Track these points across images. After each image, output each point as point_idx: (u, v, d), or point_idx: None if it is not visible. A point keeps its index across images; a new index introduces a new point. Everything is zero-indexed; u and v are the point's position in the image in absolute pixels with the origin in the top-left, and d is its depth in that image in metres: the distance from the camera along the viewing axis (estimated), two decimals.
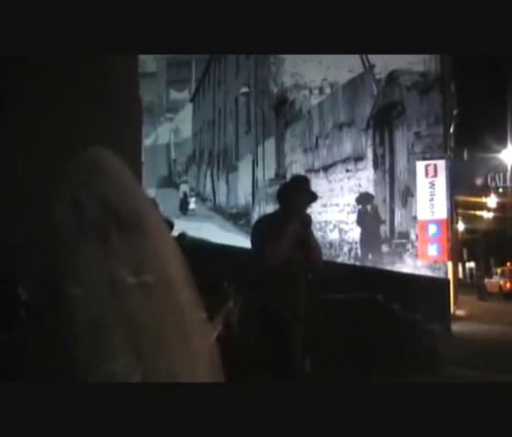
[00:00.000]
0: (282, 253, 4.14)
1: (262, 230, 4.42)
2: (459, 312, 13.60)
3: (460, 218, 20.79)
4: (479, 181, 10.94)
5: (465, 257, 36.66)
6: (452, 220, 12.92)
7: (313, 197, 4.59)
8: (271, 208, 10.87)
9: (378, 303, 7.18)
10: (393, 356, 6.45)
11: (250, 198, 10.95)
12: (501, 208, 17.12)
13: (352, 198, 9.77)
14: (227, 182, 11.09)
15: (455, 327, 10.36)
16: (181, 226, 11.54)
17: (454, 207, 14.43)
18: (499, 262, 26.06)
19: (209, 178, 11.27)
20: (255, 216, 11.28)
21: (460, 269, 35.30)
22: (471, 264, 38.38)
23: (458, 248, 25.19)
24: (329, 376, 5.94)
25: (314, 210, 10.22)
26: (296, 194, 4.35)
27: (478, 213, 19.30)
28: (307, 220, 4.30)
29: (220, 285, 2.35)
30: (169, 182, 11.57)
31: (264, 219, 4.72)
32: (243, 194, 11.05)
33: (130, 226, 1.53)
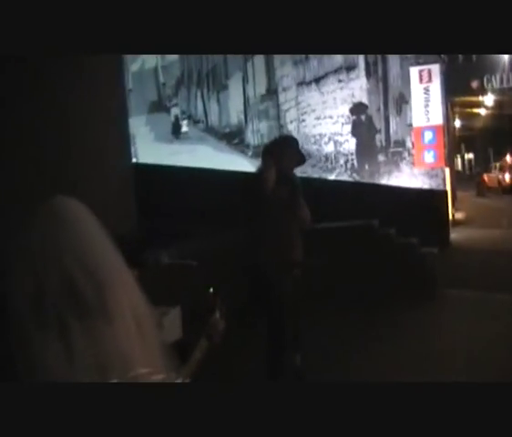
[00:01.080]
0: (275, 217, 4.08)
1: (252, 193, 4.33)
2: (458, 216, 13.59)
3: (457, 116, 20.58)
4: (475, 84, 10.69)
5: (463, 151, 36.65)
6: (448, 126, 12.74)
7: (302, 158, 4.50)
8: (263, 125, 10.74)
9: (374, 230, 7.11)
10: (391, 284, 6.44)
11: (243, 116, 10.76)
12: (498, 106, 16.91)
13: (345, 109, 9.58)
14: (218, 102, 10.89)
15: (454, 235, 10.34)
16: (175, 150, 11.45)
17: (450, 107, 14.20)
18: (498, 156, 26.01)
19: (199, 99, 11.05)
20: (248, 134, 11.15)
21: (459, 161, 35.37)
22: (470, 155, 38.34)
23: (456, 143, 25.07)
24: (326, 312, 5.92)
25: (308, 123, 10.13)
26: (287, 155, 4.24)
27: (476, 111, 19.07)
28: (296, 182, 4.21)
29: (205, 294, 2.28)
30: (160, 107, 11.36)
31: (251, 182, 4.58)
32: (235, 112, 10.86)
33: (93, 309, 1.54)
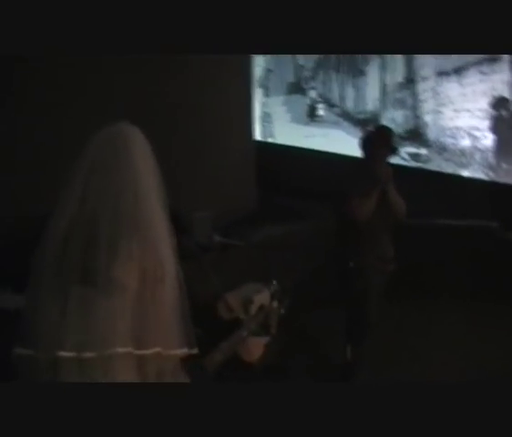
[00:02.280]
0: (367, 212, 4.04)
1: (349, 185, 4.30)
2: None
3: None
4: None
5: None
6: None
7: (394, 151, 4.40)
8: (399, 114, 10.49)
9: (492, 232, 6.74)
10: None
11: (379, 104, 10.58)
12: None
13: (485, 103, 9.11)
14: (354, 87, 10.79)
15: None
16: (309, 132, 11.55)
17: None
18: None
19: (336, 84, 11.03)
20: (383, 122, 10.92)
21: None
22: None
23: None
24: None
25: (446, 116, 9.75)
26: (376, 147, 4.17)
27: None
28: (386, 176, 4.13)
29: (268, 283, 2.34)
30: (297, 88, 11.49)
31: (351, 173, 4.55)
32: (371, 99, 10.70)
33: (98, 273, 1.61)
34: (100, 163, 1.64)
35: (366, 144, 4.29)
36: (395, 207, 4.21)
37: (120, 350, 1.54)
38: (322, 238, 5.83)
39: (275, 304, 2.27)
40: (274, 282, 2.40)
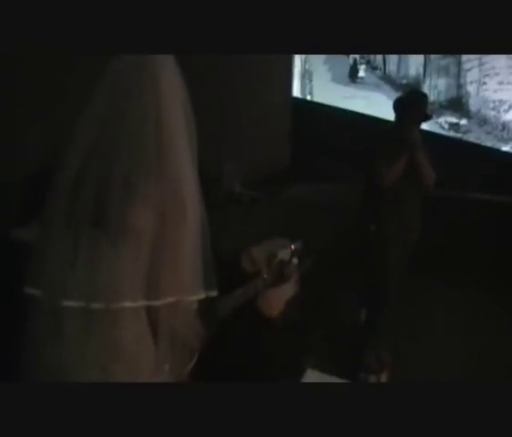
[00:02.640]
0: (392, 177, 4.00)
1: (378, 148, 4.26)
2: None
3: None
4: None
5: None
6: None
7: (427, 118, 4.30)
8: (442, 81, 10.29)
9: None
10: None
11: (422, 70, 10.38)
12: None
13: None
14: None
15: None
16: (350, 93, 11.41)
17: None
18: None
19: None
20: (425, 88, 10.74)
21: None
22: None
23: None
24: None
25: (489, 88, 9.53)
26: (408, 111, 4.09)
27: None
28: (415, 142, 4.05)
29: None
30: None
31: (380, 136, 4.50)
32: (415, 64, 10.50)
33: (111, 222, 1.47)
34: (121, 88, 1.48)
35: (398, 107, 4.24)
36: (424, 176, 4.17)
37: (129, 304, 1.47)
38: (350, 201, 5.83)
39: (295, 261, 2.31)
40: (298, 241, 2.43)
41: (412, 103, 4.27)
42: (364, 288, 4.28)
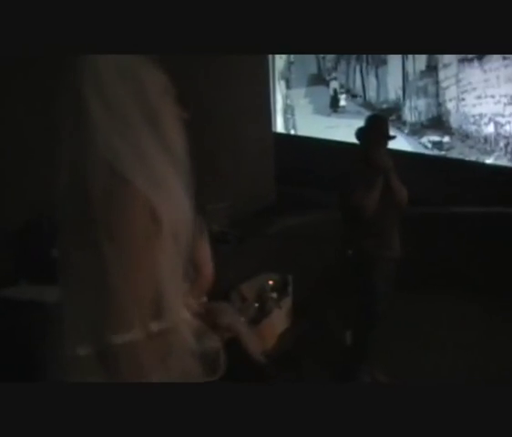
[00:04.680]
0: (373, 203, 4.02)
1: (351, 179, 4.30)
2: None
3: None
4: None
5: None
6: None
7: (389, 138, 4.35)
8: (421, 102, 10.41)
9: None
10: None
11: (401, 93, 10.51)
12: None
13: (509, 89, 8.96)
14: (376, 77, 10.75)
15: None
16: (332, 123, 11.52)
17: None
18: None
19: (358, 74, 10.99)
20: (406, 111, 10.89)
21: None
22: None
23: None
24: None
25: (468, 103, 9.64)
26: (372, 138, 4.14)
27: None
28: (386, 166, 4.11)
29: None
30: (319, 80, 11.48)
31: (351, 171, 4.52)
32: (393, 88, 10.64)
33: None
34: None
35: (362, 136, 4.29)
36: (398, 195, 4.21)
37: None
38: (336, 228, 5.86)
39: (274, 295, 2.33)
40: (275, 276, 2.45)
41: (373, 129, 4.32)
42: (350, 309, 4.30)
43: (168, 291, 1.32)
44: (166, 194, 1.34)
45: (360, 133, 4.33)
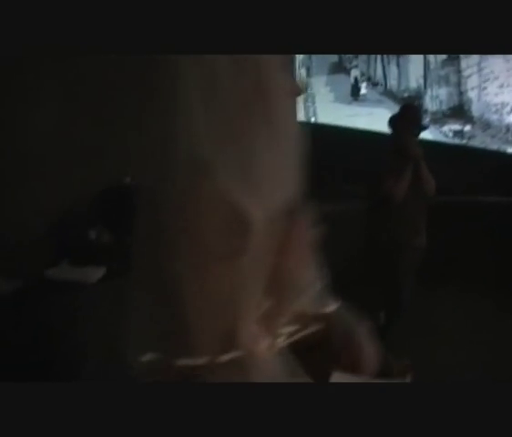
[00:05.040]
0: (402, 190, 4.10)
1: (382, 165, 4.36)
2: None
3: None
4: None
5: None
6: None
7: (422, 129, 4.42)
8: (443, 91, 10.38)
9: None
10: None
11: (422, 81, 10.49)
12: None
13: None
14: (398, 65, 10.73)
15: None
16: (353, 111, 11.53)
17: None
18: None
19: (379, 62, 10.99)
20: (427, 99, 10.86)
21: None
22: None
23: None
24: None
25: (490, 92, 9.60)
26: (404, 126, 4.21)
27: None
28: (416, 155, 4.18)
29: None
30: (340, 68, 11.49)
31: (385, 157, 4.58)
32: (415, 77, 10.62)
33: None
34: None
35: (394, 124, 4.35)
36: (426, 184, 4.28)
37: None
38: (361, 216, 5.92)
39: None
40: None
41: (405, 118, 4.38)
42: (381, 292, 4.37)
43: (243, 315, 1.11)
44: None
45: (392, 121, 4.40)
